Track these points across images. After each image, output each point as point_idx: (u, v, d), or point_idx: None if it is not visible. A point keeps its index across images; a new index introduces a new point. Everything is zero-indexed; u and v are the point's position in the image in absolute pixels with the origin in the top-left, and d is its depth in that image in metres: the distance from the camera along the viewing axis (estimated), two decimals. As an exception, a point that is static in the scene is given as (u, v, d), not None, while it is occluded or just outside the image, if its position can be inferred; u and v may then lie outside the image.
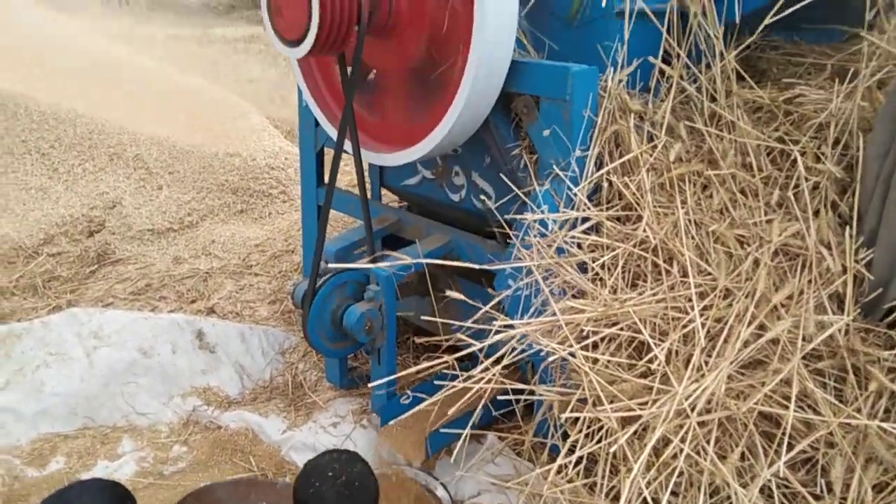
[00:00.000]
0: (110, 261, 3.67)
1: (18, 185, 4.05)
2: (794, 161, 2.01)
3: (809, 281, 1.86)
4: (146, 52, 8.89)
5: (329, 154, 2.88)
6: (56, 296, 3.42)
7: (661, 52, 2.10)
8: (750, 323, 1.77)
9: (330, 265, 2.20)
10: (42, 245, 3.78)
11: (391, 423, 2.19)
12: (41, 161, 4.12)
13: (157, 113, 4.58)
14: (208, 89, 5.13)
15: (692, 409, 1.61)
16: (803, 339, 1.75)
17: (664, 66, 2.09)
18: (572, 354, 1.76)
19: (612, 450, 1.61)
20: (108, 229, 3.82)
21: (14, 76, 4.84)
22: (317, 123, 2.61)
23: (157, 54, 9.35)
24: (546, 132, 1.95)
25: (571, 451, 1.71)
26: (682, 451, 1.59)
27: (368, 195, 2.41)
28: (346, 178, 3.98)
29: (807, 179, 1.98)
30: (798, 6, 2.04)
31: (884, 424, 1.66)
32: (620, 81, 1.99)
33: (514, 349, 1.83)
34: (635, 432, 1.66)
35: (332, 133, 2.44)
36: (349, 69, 2.10)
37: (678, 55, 2.10)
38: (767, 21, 2.07)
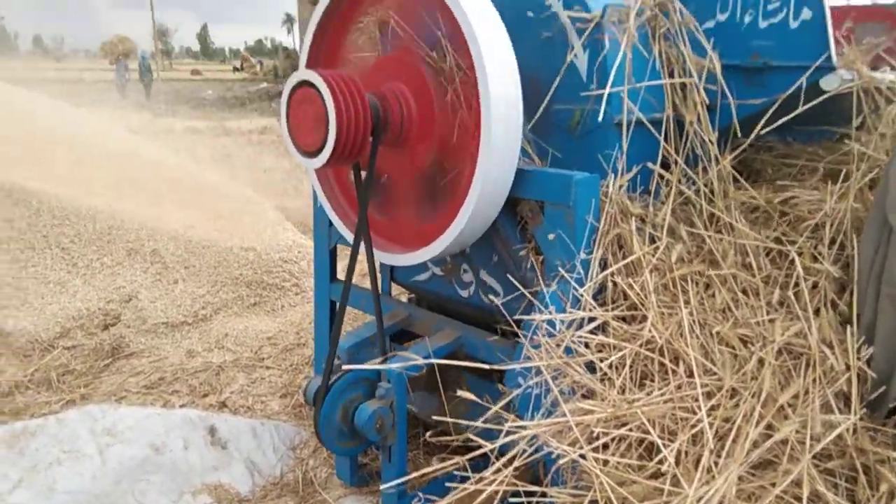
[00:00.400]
0: (124, 354, 3.72)
1: (38, 279, 4.15)
2: (793, 261, 2.08)
3: (814, 380, 1.90)
4: (165, 144, 9.24)
5: (341, 250, 2.98)
6: (70, 390, 3.45)
7: (659, 158, 2.21)
8: (758, 423, 1.79)
9: (343, 366, 2.25)
10: (58, 338, 3.84)
11: (402, 523, 2.18)
12: (61, 255, 4.24)
13: (175, 208, 4.73)
14: (225, 184, 5.32)
15: (704, 512, 1.62)
16: (812, 439, 1.77)
17: (663, 172, 2.20)
18: (583, 456, 1.78)
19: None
20: (123, 322, 3.89)
21: (36, 171, 5.05)
22: (331, 223, 2.71)
23: (176, 146, 9.71)
24: (551, 236, 2.03)
25: (584, 555, 1.71)
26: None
27: (379, 290, 2.48)
28: (357, 273, 4.08)
29: (806, 279, 2.04)
30: (790, 116, 2.16)
31: (898, 527, 1.66)
32: (621, 187, 2.09)
33: (525, 450, 1.85)
34: (648, 536, 1.66)
35: (346, 233, 2.54)
36: (363, 174, 2.22)
37: (676, 161, 2.21)
38: (759, 130, 2.19)
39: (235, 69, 48.32)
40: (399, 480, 2.11)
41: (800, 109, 2.16)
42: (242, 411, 3.11)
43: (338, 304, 2.37)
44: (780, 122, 2.16)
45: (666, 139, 2.24)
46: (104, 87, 22.47)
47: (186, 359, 3.57)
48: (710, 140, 2.27)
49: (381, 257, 2.41)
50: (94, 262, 4.17)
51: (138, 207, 4.58)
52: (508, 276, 2.18)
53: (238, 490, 2.73)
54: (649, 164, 2.18)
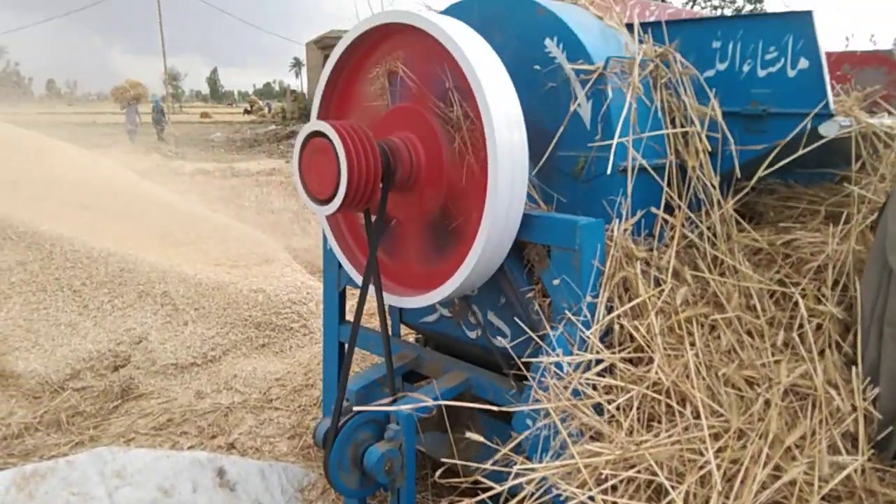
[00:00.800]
0: (134, 395, 3.74)
1: (49, 321, 4.20)
2: (796, 303, 2.11)
3: (821, 421, 1.91)
4: (174, 186, 9.38)
5: (350, 291, 3.02)
6: (79, 432, 3.47)
7: (662, 203, 2.26)
8: (765, 464, 1.80)
9: (354, 408, 2.27)
10: (68, 380, 3.87)
11: (411, 567, 2.17)
12: (72, 298, 4.30)
13: (186, 249, 4.80)
14: (234, 225, 5.39)
15: (714, 556, 1.62)
16: (820, 480, 1.77)
17: (666, 216, 2.24)
18: (592, 498, 1.79)
19: None
20: (132, 364, 3.92)
21: (49, 214, 5.14)
22: (340, 265, 2.76)
23: (185, 188, 9.84)
24: (556, 281, 2.07)
25: None
26: None
27: (389, 332, 2.51)
28: (365, 314, 4.11)
29: (810, 320, 2.07)
30: (790, 159, 2.22)
31: (909, 571, 1.65)
32: (626, 231, 2.14)
33: (533, 492, 1.86)
34: (658, 580, 1.66)
35: (355, 276, 2.59)
36: (373, 218, 2.28)
37: (679, 205, 2.26)
38: (760, 173, 2.24)
39: (246, 111, 49.16)
40: (409, 523, 2.11)
41: (799, 153, 2.22)
42: (251, 453, 3.11)
43: (346, 346, 2.40)
44: (780, 164, 2.21)
45: (669, 184, 2.29)
46: (116, 129, 22.86)
47: (195, 400, 3.59)
48: (712, 184, 2.32)
49: (389, 300, 2.44)
50: (105, 304, 4.22)
51: (149, 249, 4.65)
52: (515, 318, 2.21)
53: (246, 533, 2.73)
54: (653, 209, 2.23)
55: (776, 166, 2.26)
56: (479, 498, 1.87)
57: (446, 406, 2.38)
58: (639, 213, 2.19)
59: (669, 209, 2.30)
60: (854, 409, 1.91)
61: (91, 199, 6.04)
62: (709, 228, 2.30)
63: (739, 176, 2.31)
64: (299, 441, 3.20)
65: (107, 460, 2.85)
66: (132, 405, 3.66)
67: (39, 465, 2.89)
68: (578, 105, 2.25)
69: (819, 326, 2.09)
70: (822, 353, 2.02)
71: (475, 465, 1.96)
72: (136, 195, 6.64)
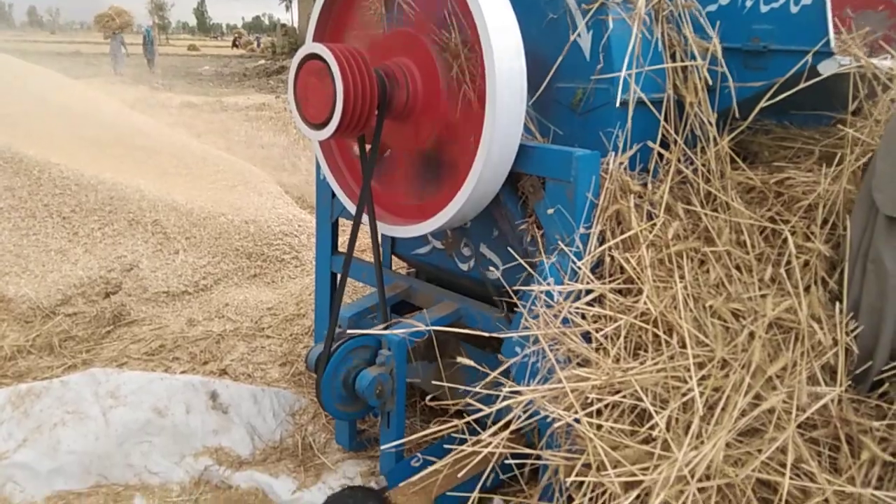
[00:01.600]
0: (125, 322, 3.77)
1: (39, 248, 4.18)
2: (786, 240, 2.14)
3: (802, 353, 1.97)
4: (162, 118, 9.22)
5: (343, 222, 3.03)
6: (72, 355, 3.51)
7: (659, 137, 2.26)
8: (746, 393, 1.86)
9: (346, 331, 2.31)
10: (59, 305, 3.89)
11: (399, 485, 2.25)
12: (62, 224, 4.27)
13: (176, 179, 4.76)
14: (226, 158, 5.35)
15: (692, 475, 1.69)
16: (798, 409, 1.84)
17: (662, 151, 2.25)
18: (577, 420, 1.85)
19: (615, 514, 1.68)
20: (124, 291, 3.93)
21: (35, 141, 5.06)
22: (333, 195, 2.76)
23: (172, 121, 9.68)
24: (551, 210, 2.09)
25: (576, 514, 1.78)
26: (683, 516, 1.66)
27: (381, 259, 2.53)
28: (357, 245, 4.13)
29: (798, 257, 2.10)
30: (788, 94, 2.21)
31: (877, 493, 1.74)
32: (621, 164, 2.15)
33: (520, 415, 1.91)
34: (637, 496, 1.73)
35: (349, 205, 2.59)
36: (368, 148, 2.27)
37: (675, 140, 2.27)
38: (759, 108, 2.24)
39: (234, 44, 47.96)
40: (398, 441, 2.18)
41: (797, 88, 2.21)
42: (243, 378, 3.17)
43: (339, 276, 2.43)
44: (778, 100, 2.20)
45: (666, 119, 2.29)
46: (100, 60, 22.27)
47: (187, 327, 3.62)
48: (709, 121, 2.32)
49: (383, 229, 2.46)
50: (95, 231, 4.20)
51: (139, 178, 4.60)
52: (509, 248, 2.23)
53: (238, 453, 2.80)
54: (649, 143, 2.23)
55: (775, 99, 2.24)
56: (467, 419, 1.93)
57: (435, 337, 2.43)
58: (635, 147, 2.20)
59: (665, 145, 2.30)
60: (835, 342, 1.97)
61: (76, 127, 5.94)
62: (703, 165, 2.30)
63: (738, 113, 2.31)
64: (290, 368, 3.26)
65: (101, 381, 2.89)
66: (124, 331, 3.69)
67: (34, 384, 2.94)
68: (578, 35, 2.22)
69: (806, 263, 2.13)
70: (808, 288, 2.07)
71: (463, 388, 2.01)
72: (122, 125, 6.53)
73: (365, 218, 2.36)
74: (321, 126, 2.13)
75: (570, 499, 1.87)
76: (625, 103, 2.17)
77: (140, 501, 2.60)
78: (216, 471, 2.71)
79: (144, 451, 2.75)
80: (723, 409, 1.84)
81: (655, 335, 1.99)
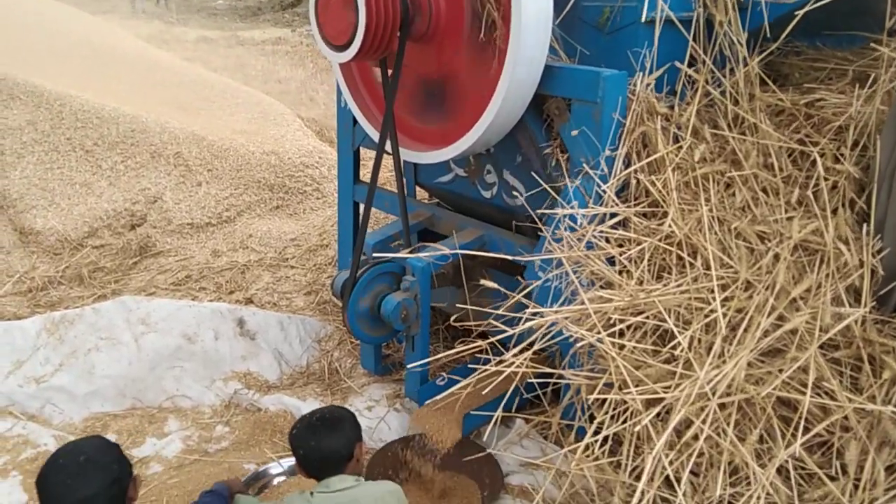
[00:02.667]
0: (151, 253, 3.83)
1: (64, 181, 4.22)
2: (814, 162, 2.11)
3: (827, 275, 1.96)
4: (177, 54, 9.12)
5: (364, 153, 3.02)
6: (101, 285, 3.59)
7: (687, 58, 2.21)
8: (769, 314, 1.87)
9: (372, 256, 2.33)
10: (86, 238, 3.95)
11: (423, 407, 2.31)
12: (85, 158, 4.30)
13: (196, 113, 4.74)
14: (244, 90, 5.30)
15: (713, 393, 1.72)
16: (820, 330, 1.85)
17: (690, 72, 2.19)
18: (600, 341, 1.87)
19: (636, 429, 1.71)
20: (149, 223, 3.98)
21: (55, 75, 5.04)
22: (354, 122, 2.74)
23: (188, 55, 9.57)
24: (576, 132, 2.06)
25: (598, 431, 1.82)
26: (702, 431, 1.69)
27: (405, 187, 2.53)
28: (380, 175, 4.12)
29: (826, 179, 2.07)
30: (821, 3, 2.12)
31: (897, 410, 1.75)
32: (648, 85, 2.10)
33: (543, 336, 1.94)
34: (658, 414, 1.76)
35: (371, 132, 2.57)
36: (390, 72, 2.24)
37: (704, 61, 2.21)
38: (791, 27, 2.17)
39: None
40: (423, 361, 2.23)
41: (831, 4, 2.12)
42: (268, 307, 3.23)
43: (361, 204, 2.44)
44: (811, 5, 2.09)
45: (695, 39, 2.23)
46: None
47: (212, 258, 3.68)
48: (739, 41, 2.25)
49: (406, 156, 2.45)
50: (119, 164, 4.23)
51: (159, 111, 4.59)
52: (533, 174, 2.22)
53: (266, 378, 2.88)
54: (677, 64, 2.18)
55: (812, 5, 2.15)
56: (490, 340, 1.96)
57: (459, 264, 2.45)
58: (662, 69, 2.15)
59: (693, 66, 2.25)
60: (861, 264, 1.96)
61: (95, 62, 5.90)
62: (732, 87, 2.25)
63: (769, 33, 2.24)
64: (315, 297, 3.31)
65: (131, 308, 2.96)
66: (151, 262, 3.76)
67: (67, 312, 3.02)
68: (607, -49, 2.15)
69: (835, 185, 2.10)
70: (835, 210, 2.04)
71: (488, 310, 2.03)
72: (140, 59, 6.47)
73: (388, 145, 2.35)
74: (343, 48, 2.10)
75: (592, 417, 1.91)
76: (652, 22, 2.11)
77: (174, 423, 2.70)
78: (245, 394, 2.80)
79: (176, 376, 2.84)
80: (745, 329, 1.86)
81: (680, 258, 1.99)
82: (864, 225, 1.98)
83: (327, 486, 1.65)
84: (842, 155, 2.12)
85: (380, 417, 2.56)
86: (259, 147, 4.20)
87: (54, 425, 2.65)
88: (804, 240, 1.98)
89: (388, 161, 2.47)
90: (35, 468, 2.42)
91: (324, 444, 1.66)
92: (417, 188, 3.06)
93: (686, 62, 2.21)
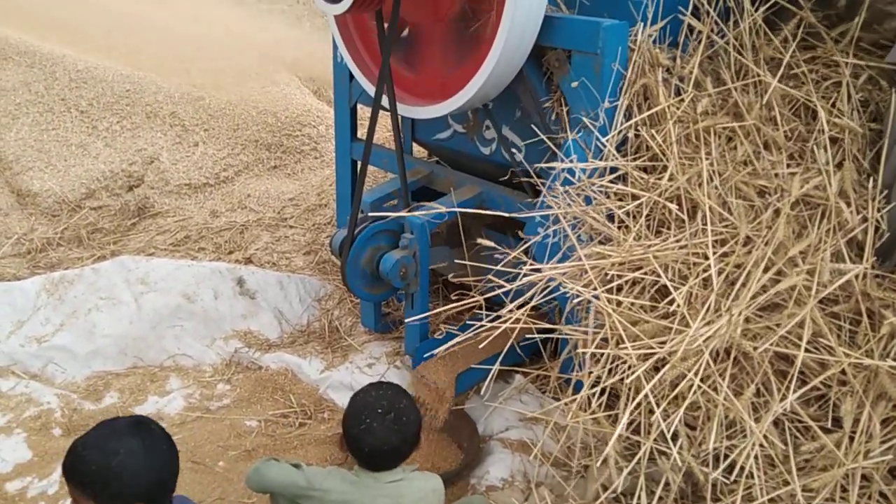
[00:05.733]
0: (150, 214, 3.82)
1: (59, 142, 4.18)
2: (816, 115, 2.07)
3: (828, 230, 1.95)
4: (172, 12, 8.94)
5: (362, 109, 2.98)
6: (100, 246, 3.58)
7: (689, 8, 2.15)
8: (767, 269, 1.86)
9: (369, 214, 2.32)
10: (84, 199, 3.93)
11: (423, 363, 2.32)
12: (80, 118, 4.25)
13: (190, 72, 4.67)
14: (239, 48, 5.21)
15: (705, 347, 1.71)
16: (819, 285, 1.84)
17: (694, 21, 2.14)
18: (597, 297, 1.86)
19: (629, 380, 1.72)
20: (146, 184, 3.96)
21: (45, 33, 4.96)
22: (351, 78, 2.69)
23: (182, 13, 9.39)
24: (576, 84, 2.02)
25: (594, 385, 1.83)
26: (695, 384, 1.70)
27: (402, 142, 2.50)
28: (377, 133, 4.07)
29: (828, 132, 2.04)
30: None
31: (895, 364, 1.76)
32: (650, 36, 2.06)
33: (541, 292, 1.93)
34: (654, 367, 1.76)
35: (368, 87, 2.53)
36: (386, 25, 2.19)
37: (707, 11, 2.16)
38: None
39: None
40: (423, 315, 2.23)
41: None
42: (268, 266, 3.22)
43: (359, 162, 2.41)
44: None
45: (698, -12, 2.17)
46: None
47: (210, 218, 3.66)
48: (743, -9, 2.20)
49: (404, 111, 2.41)
50: (114, 125, 4.18)
51: (154, 70, 4.52)
52: (532, 126, 2.19)
53: (267, 336, 2.89)
54: (680, 11, 2.13)
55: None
56: (488, 295, 1.96)
57: (456, 223, 2.43)
58: (665, 20, 2.10)
59: (696, 16, 2.20)
60: (864, 220, 1.94)
61: (84, 18, 5.79)
62: (736, 38, 2.20)
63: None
64: (314, 257, 3.30)
65: (130, 268, 2.96)
66: (149, 223, 3.74)
67: (66, 272, 3.02)
68: None
69: (837, 140, 2.07)
70: (839, 165, 2.02)
71: (486, 266, 2.03)
72: (131, 16, 6.35)
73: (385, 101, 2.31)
74: (337, 0, 2.05)
75: (590, 372, 1.91)
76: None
77: (175, 381, 2.71)
78: (246, 353, 2.81)
79: (177, 335, 2.85)
80: (743, 284, 1.85)
81: (679, 213, 1.97)
82: (871, 179, 1.96)
83: (376, 477, 1.60)
84: (841, 112, 2.08)
85: (380, 374, 2.58)
86: (256, 107, 4.15)
87: (56, 384, 2.67)
88: (806, 195, 1.96)
89: (385, 119, 2.44)
90: (38, 426, 2.45)
91: (397, 442, 1.58)
92: (416, 146, 3.02)
93: (689, 12, 2.15)
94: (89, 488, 1.26)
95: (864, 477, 1.74)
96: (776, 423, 1.78)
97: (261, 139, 4.01)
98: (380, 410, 1.60)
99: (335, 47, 2.69)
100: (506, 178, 2.46)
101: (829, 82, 2.20)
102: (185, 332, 2.86)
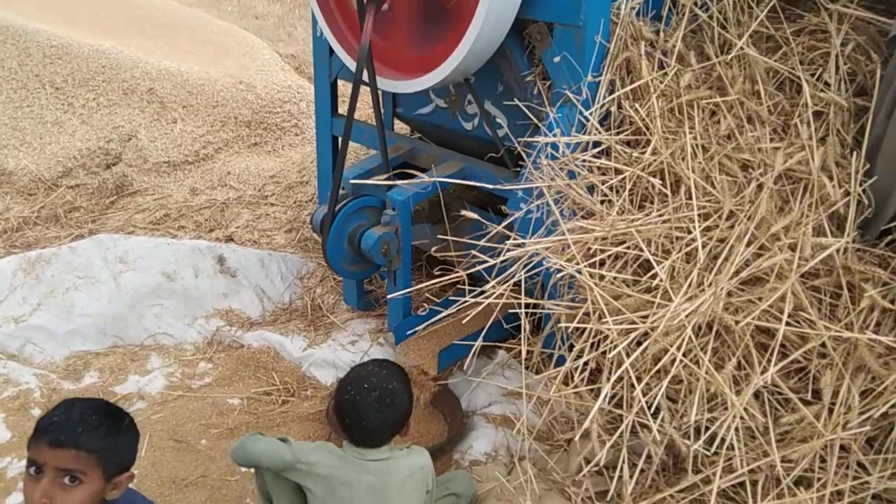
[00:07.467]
0: (128, 192, 3.76)
1: (34, 119, 4.10)
2: (801, 89, 2.06)
3: (810, 205, 1.95)
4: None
5: (343, 85, 2.93)
6: (78, 225, 3.52)
7: (673, -20, 2.13)
8: (750, 244, 1.86)
9: (350, 181, 2.29)
10: (61, 177, 3.86)
11: (406, 339, 2.31)
12: (55, 95, 4.16)
13: (169, 47, 4.58)
14: (218, 24, 5.11)
15: (689, 322, 1.72)
16: (801, 259, 1.84)
17: (676, -6, 2.12)
18: (579, 271, 1.86)
19: (611, 355, 1.72)
20: (124, 162, 3.89)
21: (17, 7, 4.84)
22: (331, 52, 2.65)
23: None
24: (558, 59, 2.00)
25: (577, 359, 1.83)
26: (677, 359, 1.70)
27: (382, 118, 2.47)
28: (358, 110, 4.02)
29: (813, 107, 2.03)
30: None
31: (873, 336, 1.77)
32: (633, 9, 2.03)
33: (524, 266, 1.93)
34: (637, 342, 1.77)
35: (348, 61, 2.49)
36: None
37: (691, -17, 2.13)
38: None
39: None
40: (405, 291, 2.21)
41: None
42: (249, 244, 3.19)
43: (339, 138, 2.38)
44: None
45: (682, -40, 2.14)
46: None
47: (190, 196, 3.61)
48: (727, -37, 2.17)
49: (385, 86, 2.37)
50: (91, 101, 4.10)
51: (130, 46, 4.43)
52: (515, 99, 2.16)
53: (249, 315, 2.87)
54: (663, -14, 2.10)
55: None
56: (472, 269, 1.95)
57: (438, 199, 2.41)
58: (648, -9, 2.07)
59: (680, -11, 2.17)
60: (846, 194, 1.94)
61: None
62: (720, 11, 2.18)
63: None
64: (296, 234, 3.27)
65: (109, 246, 2.91)
66: (128, 201, 3.69)
67: (43, 251, 2.96)
68: None
69: (821, 114, 2.06)
70: (822, 139, 2.01)
71: (469, 241, 2.01)
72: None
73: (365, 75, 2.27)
74: (315, -30, 2.00)
75: (572, 348, 1.91)
76: (639, -59, 2.03)
77: (156, 360, 2.69)
78: (228, 331, 2.78)
79: (157, 314, 2.82)
80: (725, 259, 1.85)
81: (662, 187, 1.96)
82: (854, 153, 1.96)
83: (361, 453, 1.61)
84: (827, 84, 2.07)
85: (364, 352, 2.56)
86: (235, 83, 4.08)
87: (35, 364, 2.63)
88: (789, 169, 1.95)
89: (366, 94, 2.40)
90: (17, 406, 2.42)
91: (375, 421, 1.58)
92: (398, 122, 2.99)
93: (673, -15, 2.13)
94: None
95: (842, 447, 1.76)
96: (757, 395, 1.79)
97: (241, 116, 3.95)
98: (366, 386, 1.60)
99: (314, 21, 2.64)
100: (489, 154, 2.44)
101: (817, 53, 2.18)
102: (165, 310, 2.83)
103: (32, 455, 1.29)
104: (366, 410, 1.57)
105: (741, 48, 2.04)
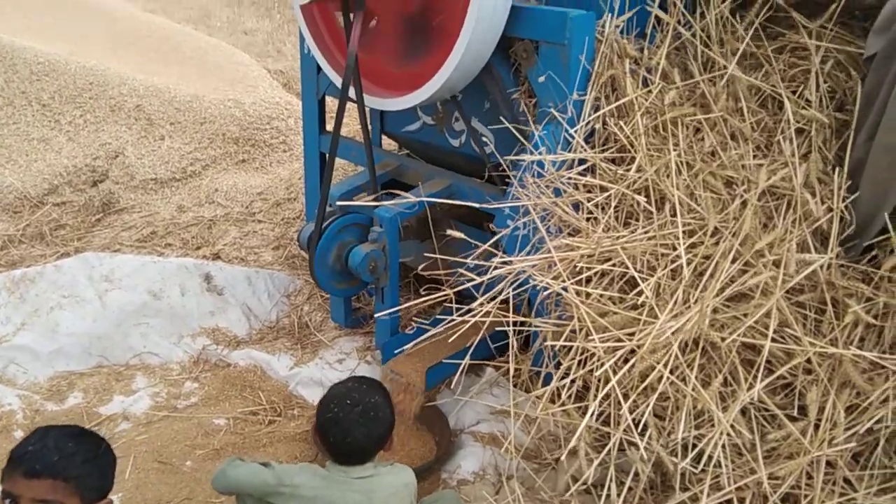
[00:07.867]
0: (115, 210, 3.74)
1: (21, 136, 4.08)
2: (782, 106, 2.09)
3: (794, 221, 1.96)
4: (136, 4, 8.77)
5: (330, 102, 2.94)
6: (63, 243, 3.50)
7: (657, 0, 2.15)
8: (735, 260, 1.87)
9: (337, 202, 2.29)
10: (47, 195, 3.84)
11: (393, 357, 2.30)
12: (42, 112, 4.15)
13: (157, 63, 4.58)
14: (206, 40, 5.12)
15: (675, 340, 1.72)
16: (785, 276, 1.85)
17: (661, 13, 2.14)
18: (565, 289, 1.86)
19: (598, 373, 1.72)
20: (111, 179, 3.87)
21: (6, 25, 4.83)
22: (319, 69, 2.65)
23: (150, 6, 9.22)
24: (542, 78, 2.01)
25: (564, 376, 1.83)
26: (663, 376, 1.70)
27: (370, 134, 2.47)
28: (346, 126, 4.03)
29: (795, 123, 2.06)
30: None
31: (858, 352, 1.78)
32: (617, 27, 2.05)
33: (511, 284, 1.93)
34: (624, 359, 1.77)
35: (335, 78, 2.50)
36: (352, 15, 2.16)
37: (674, 3, 2.16)
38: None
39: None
40: (393, 309, 2.21)
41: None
42: (236, 262, 3.18)
43: (327, 155, 2.38)
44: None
45: (665, -20, 2.17)
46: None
47: (177, 213, 3.60)
48: (710, -18, 2.20)
49: (372, 103, 2.38)
50: (77, 118, 4.08)
51: (118, 63, 4.43)
52: (501, 118, 2.17)
53: (235, 333, 2.85)
54: (647, 5, 2.12)
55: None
56: (458, 288, 1.94)
57: (426, 216, 2.41)
58: (632, 10, 2.09)
59: (664, 8, 2.20)
60: (829, 210, 1.96)
61: (48, 12, 5.65)
62: (703, 30, 2.21)
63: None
64: (283, 252, 3.26)
65: (94, 265, 2.89)
66: (114, 219, 3.67)
67: (28, 270, 2.94)
68: None
69: (803, 131, 2.08)
70: (805, 156, 2.03)
71: (456, 259, 2.01)
72: (96, 8, 6.21)
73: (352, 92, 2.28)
74: (301, -11, 2.01)
75: (559, 365, 1.91)
76: (622, -39, 2.05)
77: (142, 380, 2.66)
78: (214, 350, 2.76)
79: (143, 333, 2.80)
80: (711, 276, 1.86)
81: (647, 204, 1.97)
82: (837, 170, 1.98)
83: (346, 471, 1.59)
84: (808, 101, 2.10)
85: (351, 370, 2.55)
86: (223, 99, 4.08)
87: (18, 385, 2.60)
88: (773, 186, 1.97)
89: (353, 110, 2.40)
90: (1, 427, 2.39)
91: (360, 436, 1.57)
92: (385, 138, 2.99)
93: (657, 3, 2.15)
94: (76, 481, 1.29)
95: (828, 464, 1.76)
96: (743, 412, 1.79)
97: (228, 132, 3.95)
98: (349, 402, 1.60)
99: (302, 39, 2.64)
100: (476, 171, 2.44)
101: (798, 70, 2.21)
102: (151, 329, 2.81)
103: (7, 487, 1.26)
104: (349, 426, 1.57)
105: (726, 68, 2.06)
